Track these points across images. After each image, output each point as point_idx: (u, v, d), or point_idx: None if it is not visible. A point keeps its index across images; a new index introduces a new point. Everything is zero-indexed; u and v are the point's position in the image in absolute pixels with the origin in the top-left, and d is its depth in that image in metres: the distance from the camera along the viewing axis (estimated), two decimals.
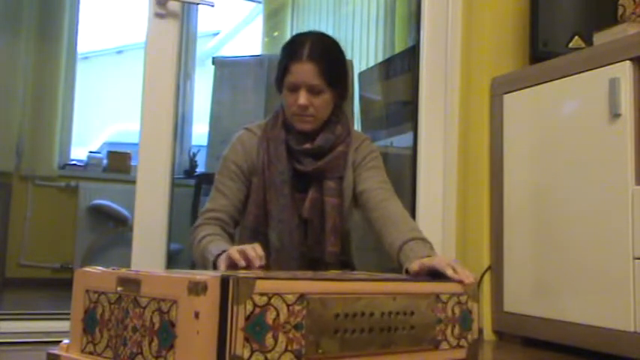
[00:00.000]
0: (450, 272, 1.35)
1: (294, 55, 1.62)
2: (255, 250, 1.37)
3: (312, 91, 1.61)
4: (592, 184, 1.85)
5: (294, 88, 1.61)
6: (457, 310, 1.32)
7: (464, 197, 2.36)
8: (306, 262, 1.65)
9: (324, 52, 1.63)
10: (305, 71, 1.59)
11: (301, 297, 1.06)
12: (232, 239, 1.65)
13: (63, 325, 1.70)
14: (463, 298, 1.33)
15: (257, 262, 1.34)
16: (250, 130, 1.73)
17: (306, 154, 1.66)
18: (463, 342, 1.32)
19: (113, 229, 3.86)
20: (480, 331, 2.19)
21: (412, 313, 1.23)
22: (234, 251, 1.37)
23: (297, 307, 1.06)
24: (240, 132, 1.74)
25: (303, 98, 1.60)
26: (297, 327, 1.05)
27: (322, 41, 1.68)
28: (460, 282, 1.34)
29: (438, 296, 1.29)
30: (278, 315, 1.03)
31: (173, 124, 2.07)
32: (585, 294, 1.84)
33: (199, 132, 4.08)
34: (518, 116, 2.15)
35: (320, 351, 1.08)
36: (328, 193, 1.65)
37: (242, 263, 1.34)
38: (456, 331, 1.31)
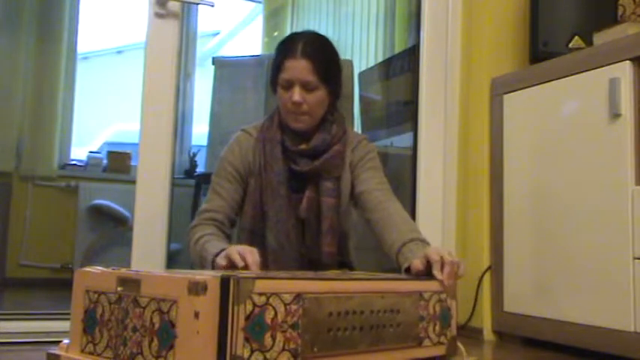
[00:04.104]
0: (435, 270, 1.36)
1: (288, 53, 1.62)
2: (253, 256, 1.37)
3: (307, 87, 1.61)
4: (592, 184, 1.85)
5: (289, 86, 1.62)
6: (438, 308, 1.34)
7: (464, 197, 2.36)
8: (304, 263, 1.65)
9: (317, 49, 1.64)
10: (299, 67, 1.60)
11: (298, 296, 1.07)
12: (229, 239, 1.65)
13: (63, 325, 1.70)
14: (443, 296, 1.35)
15: (254, 269, 1.35)
16: (247, 132, 1.73)
17: (302, 154, 1.66)
18: (443, 339, 1.34)
19: (113, 229, 3.85)
20: (480, 331, 2.19)
21: (398, 311, 1.24)
22: (234, 252, 1.37)
23: (293, 307, 1.06)
24: (237, 133, 1.75)
25: (297, 95, 1.60)
26: (293, 326, 1.06)
27: (315, 39, 1.69)
28: (440, 282, 1.35)
29: (420, 294, 1.31)
30: (276, 314, 1.03)
31: (173, 124, 2.07)
32: (585, 294, 1.84)
33: (199, 132, 4.08)
34: (518, 116, 2.15)
35: (315, 349, 1.09)
36: (325, 194, 1.65)
37: (241, 264, 1.35)
38: (437, 328, 1.33)
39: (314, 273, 1.35)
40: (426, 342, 1.30)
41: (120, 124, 4.97)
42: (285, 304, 1.05)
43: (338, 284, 1.16)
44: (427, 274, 1.38)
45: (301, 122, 1.65)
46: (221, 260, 1.41)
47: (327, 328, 1.11)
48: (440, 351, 1.33)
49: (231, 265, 1.36)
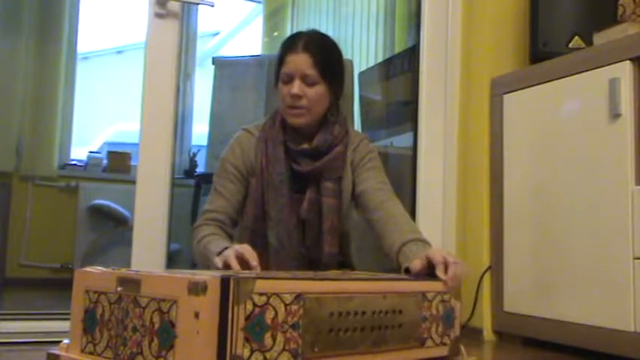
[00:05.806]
0: (439, 271, 1.35)
1: (290, 47, 1.64)
2: (247, 252, 1.37)
3: (306, 81, 1.61)
4: (592, 184, 1.85)
5: (289, 79, 1.62)
6: (441, 308, 1.33)
7: (464, 197, 2.36)
8: (305, 263, 1.65)
9: (319, 45, 1.65)
10: (299, 61, 1.61)
11: (298, 296, 1.07)
12: (232, 239, 1.65)
13: (63, 325, 1.70)
14: (447, 297, 1.35)
15: (253, 263, 1.34)
16: (248, 131, 1.73)
17: (303, 154, 1.66)
18: (446, 339, 1.34)
19: (113, 229, 3.86)
20: (480, 331, 2.19)
21: (400, 312, 1.24)
22: (232, 259, 1.37)
23: (294, 307, 1.06)
24: (238, 133, 1.75)
25: (296, 87, 1.60)
26: (294, 326, 1.06)
27: (318, 37, 1.70)
28: (444, 283, 1.35)
29: (424, 294, 1.30)
30: (276, 315, 1.03)
31: (173, 124, 2.07)
32: (585, 294, 1.84)
33: (199, 132, 4.08)
34: (518, 116, 2.15)
35: (316, 350, 1.08)
36: (326, 194, 1.65)
37: (235, 265, 1.35)
38: (440, 328, 1.33)
39: (314, 273, 1.35)
40: (429, 342, 1.30)
41: (120, 124, 4.98)
42: (286, 304, 1.05)
43: (339, 284, 1.16)
44: (427, 274, 1.38)
45: (299, 117, 1.64)
46: (218, 262, 1.40)
47: (329, 328, 1.11)
48: (442, 352, 1.33)
49: (226, 267, 1.36)
